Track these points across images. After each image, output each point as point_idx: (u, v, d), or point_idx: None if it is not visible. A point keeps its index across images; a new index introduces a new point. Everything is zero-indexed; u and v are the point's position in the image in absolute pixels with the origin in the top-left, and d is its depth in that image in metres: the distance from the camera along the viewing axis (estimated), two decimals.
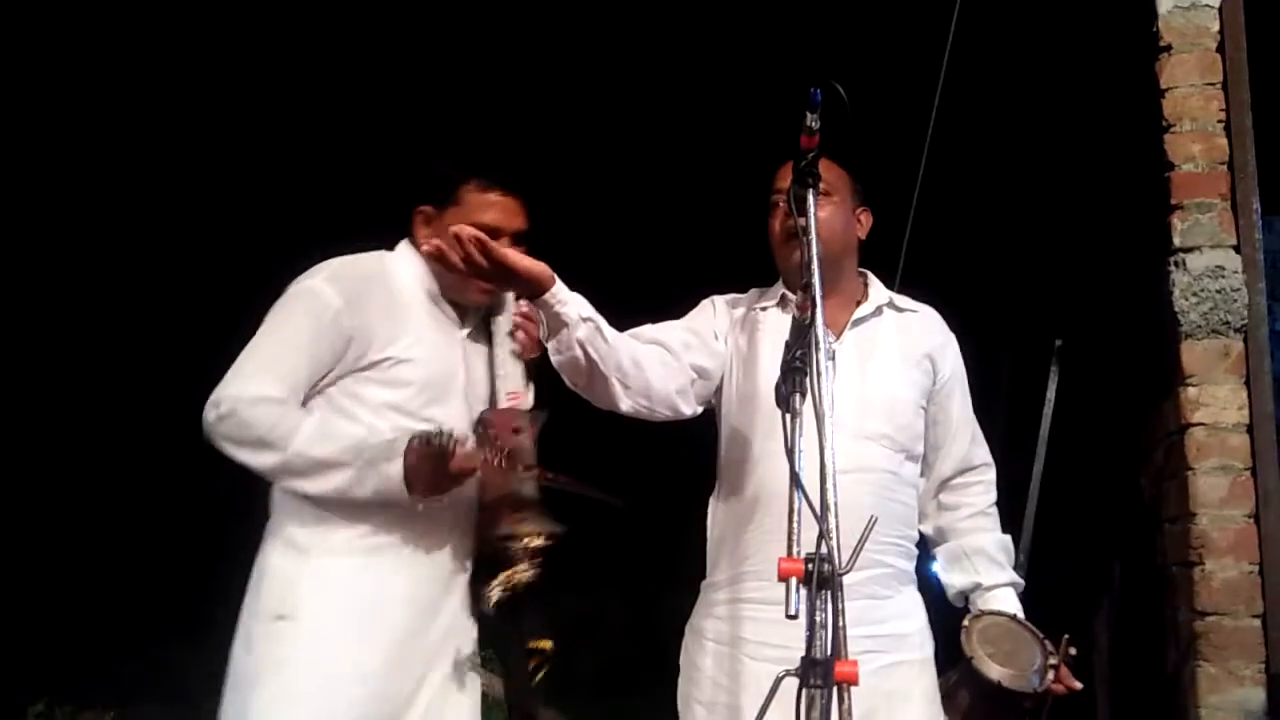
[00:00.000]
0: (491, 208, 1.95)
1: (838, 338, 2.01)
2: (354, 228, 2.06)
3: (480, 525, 1.93)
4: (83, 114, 3.97)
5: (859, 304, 2.07)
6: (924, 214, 2.82)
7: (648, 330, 2.05)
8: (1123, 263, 2.94)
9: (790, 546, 1.48)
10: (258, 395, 1.83)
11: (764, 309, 2.09)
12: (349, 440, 1.84)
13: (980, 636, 1.92)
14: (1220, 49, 2.60)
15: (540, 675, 1.91)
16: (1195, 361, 2.48)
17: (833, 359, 1.97)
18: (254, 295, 1.97)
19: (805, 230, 1.73)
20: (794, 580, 1.43)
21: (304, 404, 1.91)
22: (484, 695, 2.06)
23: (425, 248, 1.90)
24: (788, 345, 1.66)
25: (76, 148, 4.09)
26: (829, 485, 1.52)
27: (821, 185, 1.88)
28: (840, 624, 1.42)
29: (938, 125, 2.74)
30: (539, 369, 2.03)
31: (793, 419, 1.60)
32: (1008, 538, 2.08)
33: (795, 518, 1.50)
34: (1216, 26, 2.60)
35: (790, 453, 1.58)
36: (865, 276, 2.13)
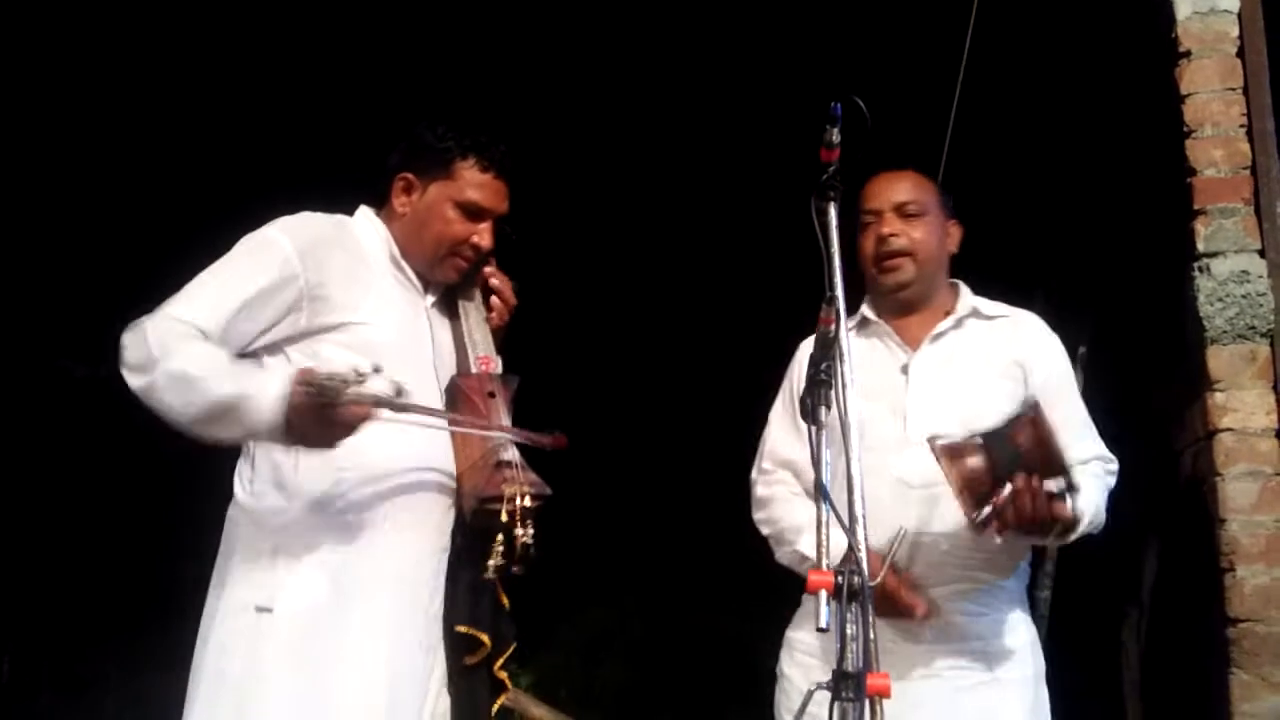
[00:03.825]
0: (485, 188, 1.92)
1: (915, 351, 2.04)
2: (319, 185, 1.99)
3: (463, 494, 1.86)
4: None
5: (947, 315, 2.08)
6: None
7: (785, 491, 2.11)
8: (1145, 269, 2.93)
9: (820, 559, 1.49)
10: (172, 315, 1.70)
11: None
12: (230, 364, 1.70)
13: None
14: (1240, 53, 2.59)
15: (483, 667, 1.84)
16: (1222, 367, 2.46)
17: (905, 372, 2.03)
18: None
19: (827, 245, 1.74)
20: (824, 593, 1.43)
21: (255, 358, 1.80)
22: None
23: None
24: (813, 359, 1.68)
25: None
26: (857, 497, 1.53)
27: (914, 207, 2.03)
28: (871, 636, 1.43)
29: (955, 134, 2.74)
30: (507, 337, 2.02)
31: (818, 431, 1.61)
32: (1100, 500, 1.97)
33: (823, 530, 1.51)
34: (1236, 31, 2.59)
35: (816, 464, 1.60)
36: (957, 287, 2.14)
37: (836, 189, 1.79)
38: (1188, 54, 2.59)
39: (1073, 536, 1.91)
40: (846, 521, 1.51)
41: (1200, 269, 2.49)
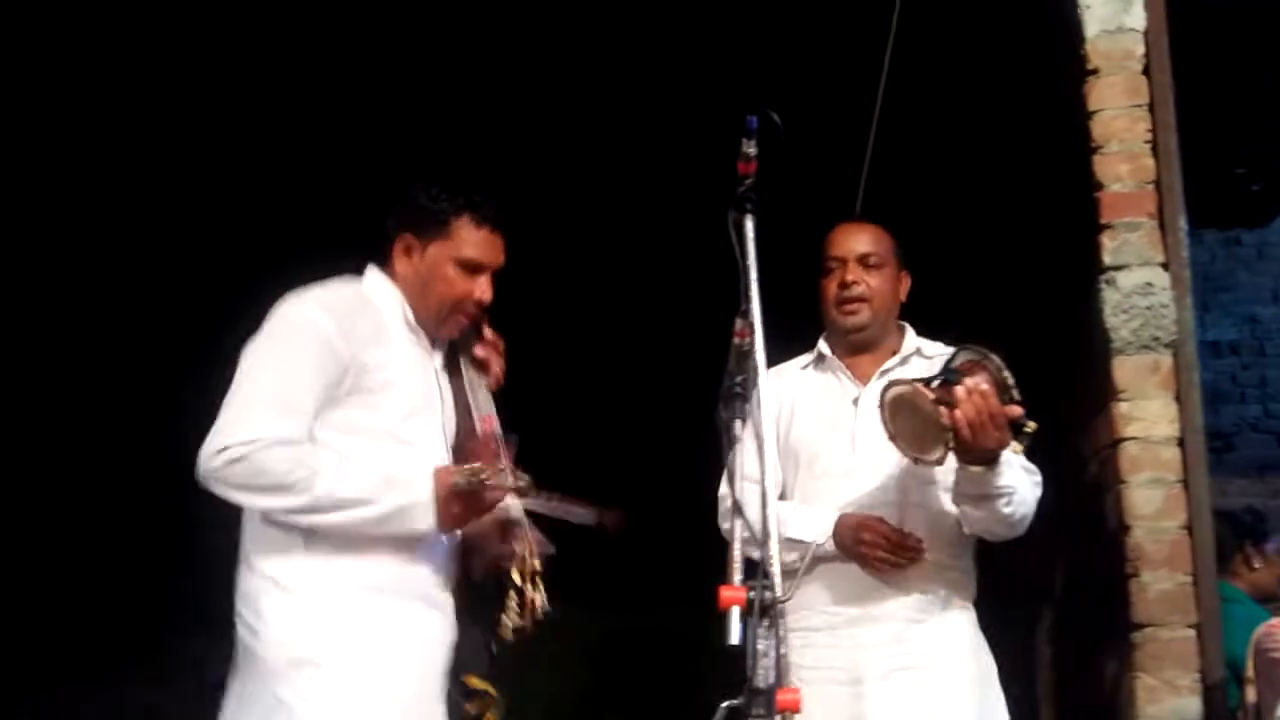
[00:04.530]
0: (481, 244, 1.98)
1: (865, 386, 2.24)
2: (322, 246, 2.07)
3: (471, 553, 1.94)
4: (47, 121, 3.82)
5: (894, 354, 2.28)
6: None
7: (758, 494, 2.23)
8: (1055, 281, 2.99)
9: (731, 574, 1.50)
10: (274, 438, 1.78)
11: (803, 368, 2.36)
12: (375, 476, 1.82)
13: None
14: (1146, 71, 2.65)
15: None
16: (1126, 377, 2.52)
17: (855, 404, 2.24)
18: (208, 315, 1.94)
19: (744, 258, 1.75)
20: (736, 609, 1.44)
21: None
22: None
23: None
24: (728, 372, 1.69)
25: (39, 155, 3.94)
26: (770, 513, 1.54)
27: (874, 259, 2.25)
28: (782, 652, 1.44)
29: (874, 149, 2.77)
30: (503, 395, 2.09)
31: (730, 444, 1.62)
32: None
33: (735, 546, 1.52)
34: (1142, 49, 2.65)
35: (732, 477, 1.62)
36: (904, 329, 2.34)
37: (754, 202, 1.81)
38: (1096, 71, 2.65)
39: (1006, 508, 2.03)
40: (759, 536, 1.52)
41: (1106, 281, 2.55)
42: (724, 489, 2.27)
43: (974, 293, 3.55)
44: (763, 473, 1.58)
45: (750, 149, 1.77)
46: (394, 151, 3.82)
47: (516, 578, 1.86)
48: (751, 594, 1.44)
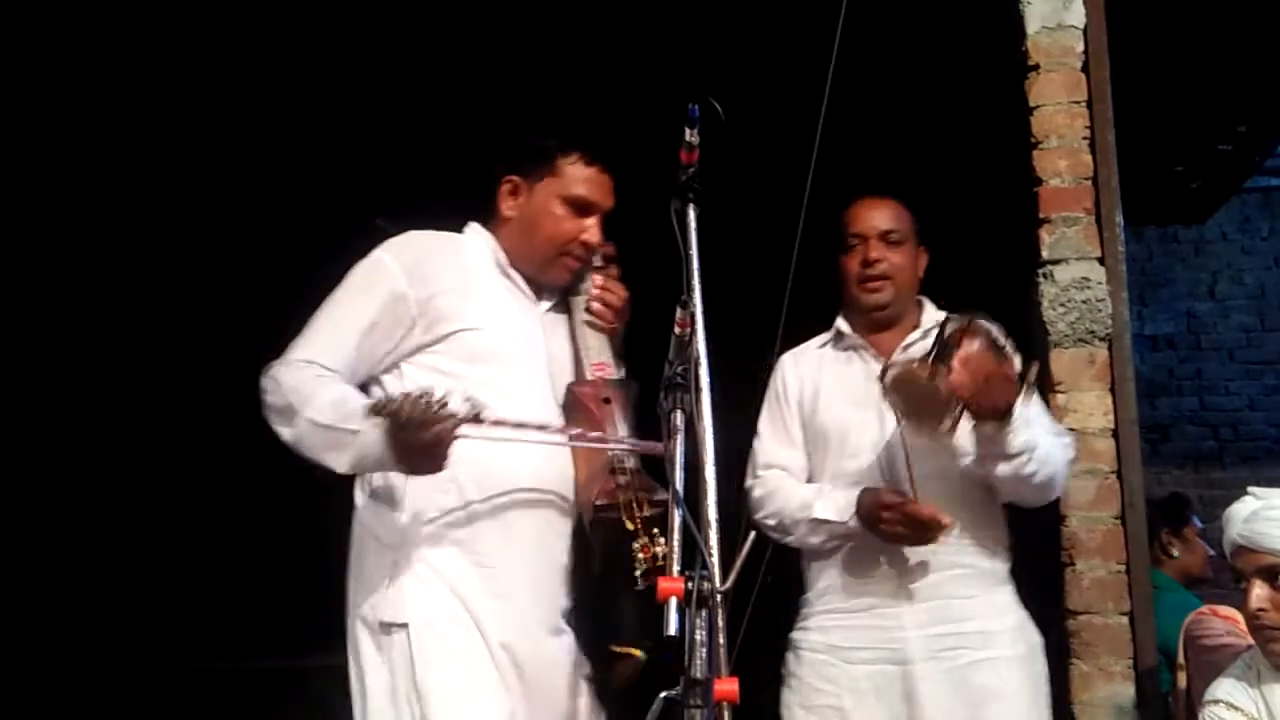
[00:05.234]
0: (590, 183, 1.94)
1: (889, 361, 2.21)
2: (420, 200, 2.04)
3: (579, 502, 1.90)
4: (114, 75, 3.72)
5: (914, 329, 2.28)
6: (810, 230, 2.84)
7: (785, 481, 2.27)
8: (1000, 273, 3.02)
9: (670, 565, 1.49)
10: (300, 360, 1.78)
11: (821, 348, 2.35)
12: (359, 406, 1.74)
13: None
14: (1085, 68, 2.69)
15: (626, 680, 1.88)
16: (1063, 369, 2.56)
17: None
18: (317, 271, 1.92)
19: (686, 247, 1.74)
20: (674, 599, 1.43)
21: (377, 379, 1.87)
22: None
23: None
24: (669, 361, 1.68)
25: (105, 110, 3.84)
26: (709, 502, 1.54)
27: (896, 235, 2.25)
28: (718, 641, 1.44)
29: (825, 139, 2.78)
30: (627, 342, 2.04)
31: (670, 436, 1.61)
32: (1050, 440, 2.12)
33: (674, 536, 1.51)
34: (1081, 47, 2.69)
35: (671, 466, 1.61)
36: (921, 303, 2.35)
37: (697, 191, 1.80)
38: (1036, 67, 2.68)
39: (1028, 467, 2.04)
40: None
41: (1044, 275, 2.59)
42: (749, 480, 2.31)
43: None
44: (703, 462, 1.57)
45: (693, 138, 1.77)
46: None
47: (630, 527, 1.78)
48: (690, 584, 1.43)
